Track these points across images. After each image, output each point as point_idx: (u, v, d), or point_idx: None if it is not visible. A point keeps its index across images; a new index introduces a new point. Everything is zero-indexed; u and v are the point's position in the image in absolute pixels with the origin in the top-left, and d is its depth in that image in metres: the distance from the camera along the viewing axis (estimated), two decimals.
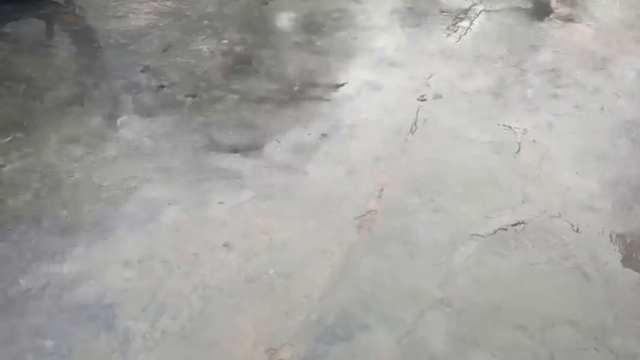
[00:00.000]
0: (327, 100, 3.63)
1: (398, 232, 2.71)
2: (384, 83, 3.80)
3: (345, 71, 3.94)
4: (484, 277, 2.51)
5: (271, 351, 2.19)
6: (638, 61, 4.09)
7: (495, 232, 2.72)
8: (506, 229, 2.73)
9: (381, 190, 2.93)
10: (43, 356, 2.16)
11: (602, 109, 3.59)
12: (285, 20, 4.69)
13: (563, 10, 4.84)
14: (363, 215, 2.79)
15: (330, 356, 2.18)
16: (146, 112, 3.44)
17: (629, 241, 2.70)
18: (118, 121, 3.36)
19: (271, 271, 2.51)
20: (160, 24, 4.37)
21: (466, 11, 4.73)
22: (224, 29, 4.36)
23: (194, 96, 3.60)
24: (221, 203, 2.84)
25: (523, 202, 2.88)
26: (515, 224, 2.76)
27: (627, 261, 2.60)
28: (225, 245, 2.62)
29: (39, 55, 3.98)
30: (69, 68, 3.90)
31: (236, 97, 3.61)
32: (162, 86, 3.68)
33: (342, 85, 3.77)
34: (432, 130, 3.37)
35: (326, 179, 3.00)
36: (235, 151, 3.17)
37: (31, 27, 4.29)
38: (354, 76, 3.88)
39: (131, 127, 3.31)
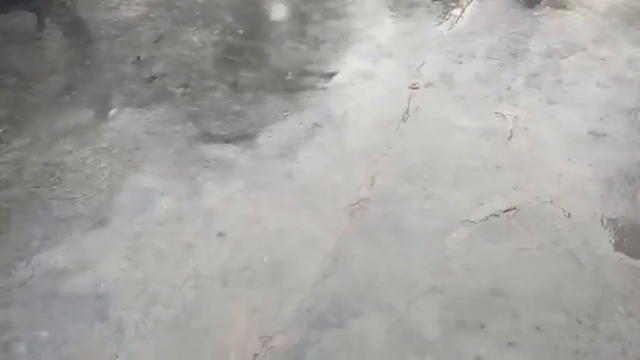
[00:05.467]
0: (319, 89, 3.63)
1: (390, 220, 2.72)
2: (376, 72, 3.80)
3: (337, 60, 3.93)
4: (476, 263, 2.52)
5: (264, 339, 2.21)
6: (629, 47, 4.09)
7: (487, 218, 2.73)
8: (497, 216, 2.74)
9: (373, 178, 2.94)
10: (37, 346, 2.17)
11: (594, 95, 3.59)
12: (276, 10, 4.69)
13: None
14: (356, 203, 2.79)
15: (323, 343, 2.20)
16: (138, 104, 3.44)
17: (620, 225, 2.72)
18: (110, 113, 3.36)
19: (264, 260, 2.52)
20: (151, 15, 4.36)
21: None
22: (215, 20, 4.35)
23: (186, 87, 3.60)
24: (214, 193, 2.84)
25: (515, 189, 2.89)
26: (507, 210, 2.77)
27: (618, 245, 2.62)
28: (219, 235, 2.63)
29: (30, 47, 3.97)
30: (60, 60, 3.90)
31: (228, 87, 3.61)
32: (154, 77, 3.68)
33: (334, 74, 3.77)
34: (424, 118, 3.37)
35: (318, 168, 3.01)
36: (227, 141, 3.17)
37: (21, 20, 4.28)
38: (346, 65, 3.88)
39: (123, 119, 3.31)
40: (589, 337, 2.23)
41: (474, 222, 2.70)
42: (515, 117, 3.36)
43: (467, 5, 4.62)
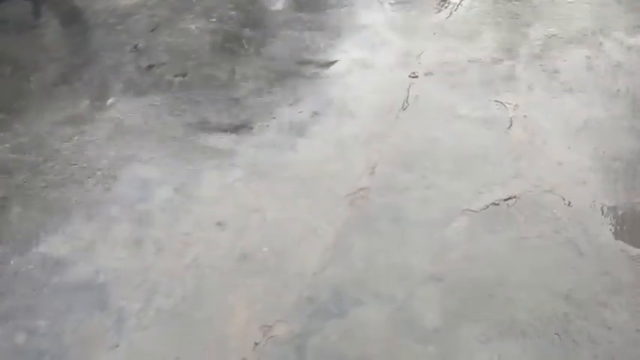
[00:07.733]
0: (318, 77, 3.61)
1: (390, 209, 2.71)
2: (375, 60, 3.77)
3: (336, 49, 3.91)
4: (476, 252, 2.51)
5: (265, 328, 2.20)
6: (628, 35, 4.07)
7: (487, 207, 2.72)
8: (498, 205, 2.73)
9: (373, 167, 2.93)
10: (37, 336, 2.17)
11: (594, 83, 3.57)
12: None
13: None
14: (355, 192, 2.78)
15: (324, 332, 2.19)
16: (136, 92, 3.42)
17: (620, 213, 2.71)
18: (108, 102, 3.34)
19: (264, 249, 2.51)
20: (149, 3, 4.33)
21: None
22: (213, 8, 4.32)
23: (183, 75, 3.58)
24: (212, 182, 2.83)
25: (515, 177, 2.88)
26: (507, 199, 2.76)
27: (618, 233, 2.61)
28: (218, 224, 2.62)
29: (26, 36, 3.95)
30: (57, 49, 3.87)
31: (225, 75, 3.60)
32: (152, 66, 3.66)
33: (333, 62, 3.75)
34: (424, 106, 3.35)
35: (317, 157, 3.00)
36: (226, 130, 3.16)
37: (18, 8, 4.25)
38: (345, 53, 3.85)
39: (120, 108, 3.29)
40: (590, 326, 2.23)
41: (474, 211, 2.70)
42: (515, 105, 3.35)
43: None
